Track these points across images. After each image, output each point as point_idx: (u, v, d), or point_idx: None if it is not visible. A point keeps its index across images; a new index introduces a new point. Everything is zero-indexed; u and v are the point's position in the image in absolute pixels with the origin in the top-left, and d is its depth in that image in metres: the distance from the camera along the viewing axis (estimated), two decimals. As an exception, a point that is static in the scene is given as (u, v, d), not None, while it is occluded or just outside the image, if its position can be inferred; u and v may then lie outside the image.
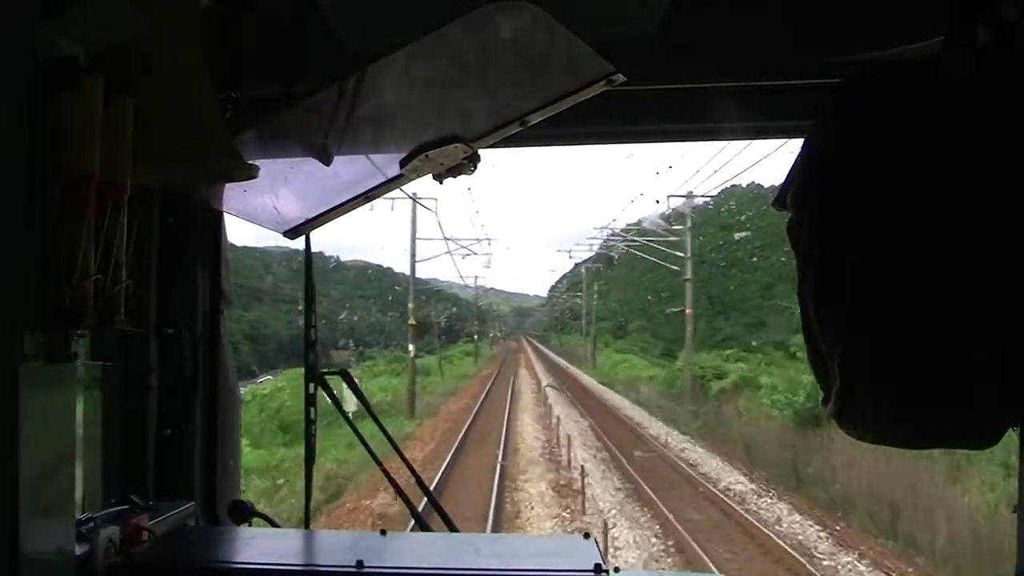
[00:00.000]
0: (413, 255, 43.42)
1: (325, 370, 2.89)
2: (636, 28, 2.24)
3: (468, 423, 33.56)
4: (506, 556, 2.29)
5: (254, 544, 2.51)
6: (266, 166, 2.16)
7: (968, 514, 15.82)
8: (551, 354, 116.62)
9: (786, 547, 15.59)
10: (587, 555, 2.20)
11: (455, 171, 2.51)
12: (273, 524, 2.79)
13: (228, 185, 2.47)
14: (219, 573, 2.20)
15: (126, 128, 1.71)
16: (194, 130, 1.95)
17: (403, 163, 2.50)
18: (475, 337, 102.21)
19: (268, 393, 32.73)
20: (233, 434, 2.93)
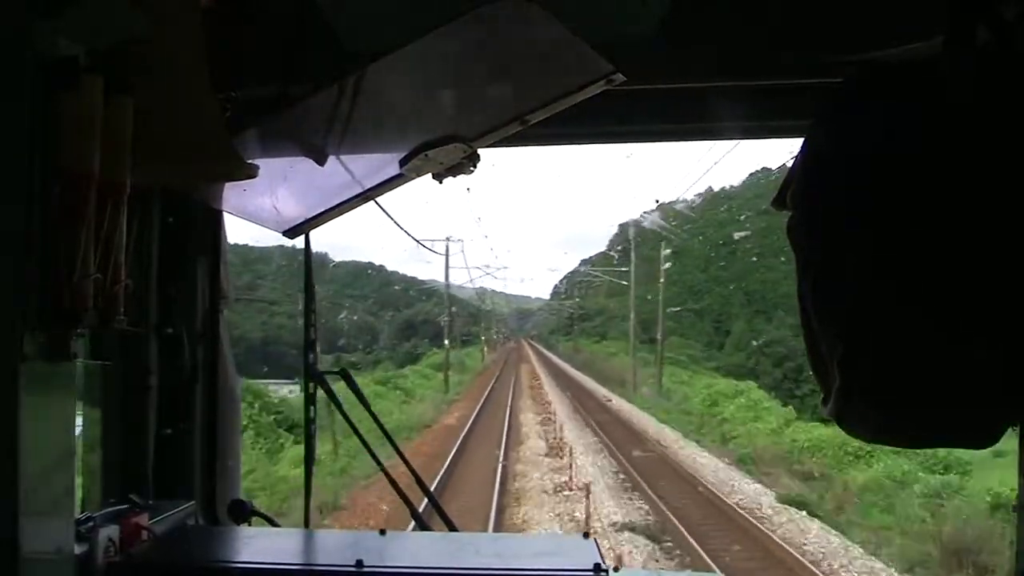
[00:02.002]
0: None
1: (325, 370, 2.89)
2: (636, 28, 2.24)
3: None
4: (506, 556, 2.29)
5: (254, 544, 2.51)
6: (266, 166, 2.16)
7: None
8: (566, 367, 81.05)
9: None
10: (587, 555, 2.20)
11: (455, 170, 2.52)
12: (273, 524, 2.79)
13: (228, 185, 2.47)
14: (219, 573, 2.20)
15: (126, 128, 1.71)
16: (194, 130, 1.95)
17: (403, 162, 2.51)
18: (445, 343, 56.80)
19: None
20: (233, 434, 2.93)
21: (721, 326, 71.11)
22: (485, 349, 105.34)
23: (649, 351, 65.86)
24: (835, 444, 24.32)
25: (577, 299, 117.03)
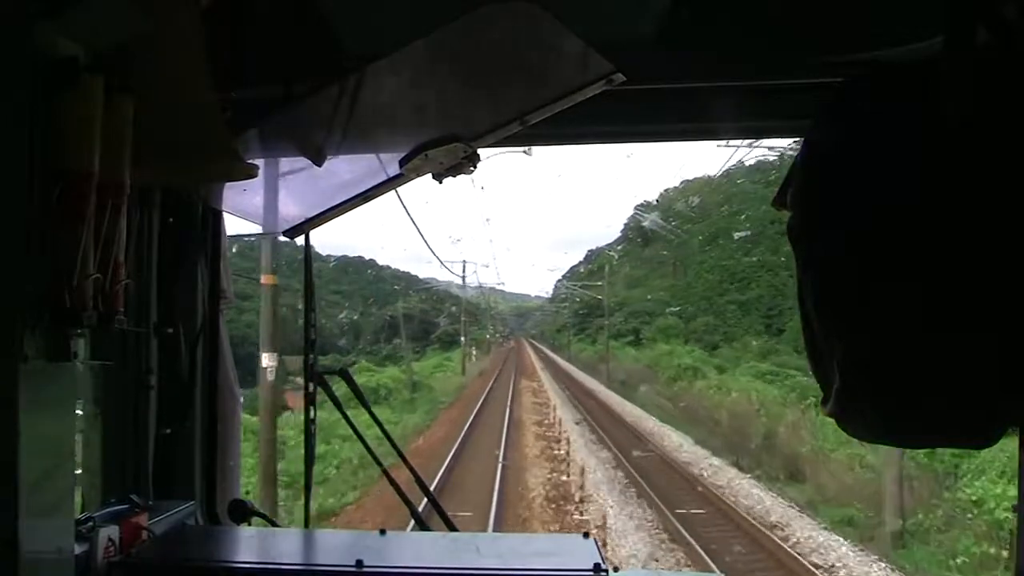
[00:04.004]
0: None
1: (324, 370, 2.89)
2: (636, 28, 2.24)
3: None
4: (506, 555, 2.29)
5: (254, 544, 2.51)
6: (266, 166, 2.16)
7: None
8: (607, 396, 43.94)
9: None
10: (587, 554, 2.20)
11: (455, 170, 2.52)
12: (273, 524, 2.79)
13: (228, 185, 2.47)
14: (219, 573, 2.20)
15: (126, 128, 1.71)
16: (194, 130, 1.95)
17: (403, 162, 2.51)
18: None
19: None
20: (233, 434, 2.93)
21: (773, 323, 50.89)
22: (474, 352, 77.32)
23: (709, 353, 45.41)
24: None
25: (602, 282, 76.81)
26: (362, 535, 2.59)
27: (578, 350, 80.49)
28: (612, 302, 71.05)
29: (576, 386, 49.53)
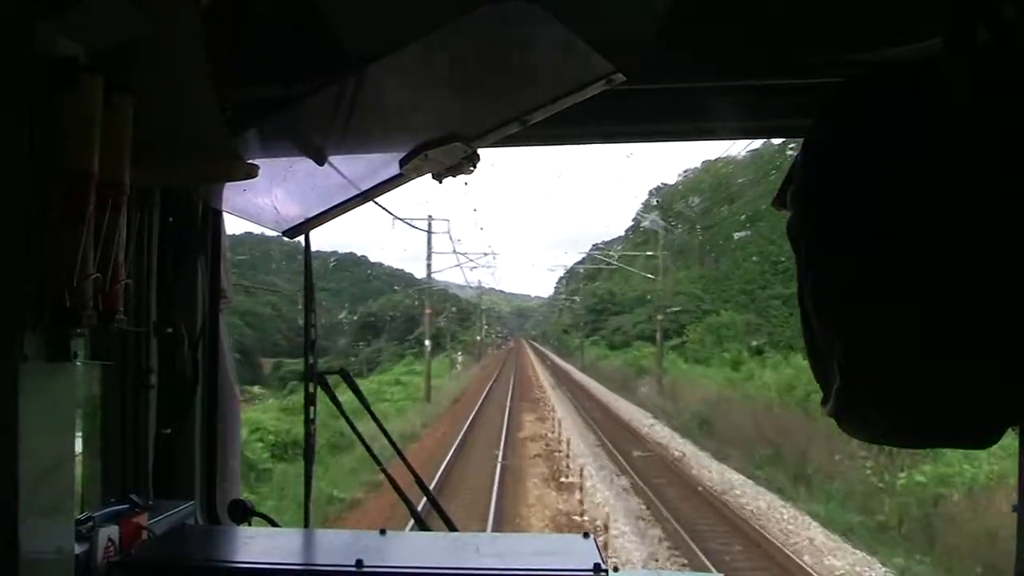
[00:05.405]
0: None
1: (325, 370, 2.89)
2: (636, 28, 2.24)
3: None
4: (506, 555, 2.29)
5: (254, 544, 2.51)
6: (266, 166, 2.16)
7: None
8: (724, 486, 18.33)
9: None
10: (587, 554, 2.20)
11: (455, 170, 2.52)
12: (273, 523, 2.79)
13: (228, 185, 2.47)
14: (219, 572, 2.20)
15: (126, 128, 1.71)
16: (194, 130, 1.95)
17: (403, 162, 2.51)
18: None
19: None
20: (233, 433, 2.93)
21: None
22: (460, 360, 61.47)
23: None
24: None
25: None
26: (362, 535, 2.59)
27: (595, 357, 61.38)
28: (632, 296, 57.37)
29: (641, 456, 23.91)
